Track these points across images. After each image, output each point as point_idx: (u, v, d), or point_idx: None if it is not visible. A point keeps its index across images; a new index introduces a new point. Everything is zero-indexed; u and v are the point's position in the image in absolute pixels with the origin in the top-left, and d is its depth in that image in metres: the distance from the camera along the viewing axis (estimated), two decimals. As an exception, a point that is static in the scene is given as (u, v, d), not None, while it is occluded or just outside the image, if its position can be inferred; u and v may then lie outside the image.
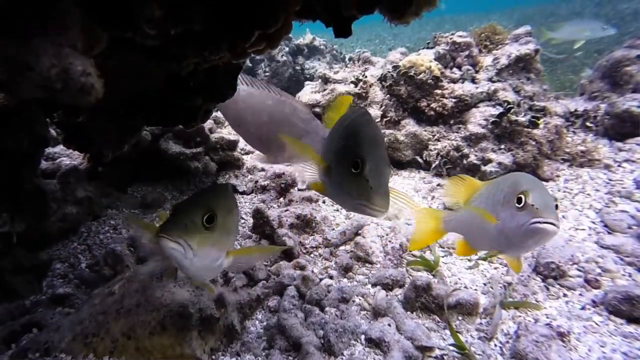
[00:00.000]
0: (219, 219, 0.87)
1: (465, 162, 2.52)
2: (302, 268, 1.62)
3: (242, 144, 2.61)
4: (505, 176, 1.10)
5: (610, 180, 2.34)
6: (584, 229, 1.94)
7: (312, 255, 1.77)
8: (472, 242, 1.16)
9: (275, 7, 0.79)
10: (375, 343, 1.28)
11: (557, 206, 0.96)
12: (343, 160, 0.87)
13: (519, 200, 0.97)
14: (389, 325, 1.34)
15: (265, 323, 1.40)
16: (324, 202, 2.19)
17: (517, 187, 0.99)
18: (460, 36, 2.82)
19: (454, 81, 2.71)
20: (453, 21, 10.83)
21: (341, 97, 1.13)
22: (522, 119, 2.46)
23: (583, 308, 1.46)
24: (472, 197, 1.14)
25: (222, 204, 0.91)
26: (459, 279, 1.63)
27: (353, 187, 0.84)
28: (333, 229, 1.91)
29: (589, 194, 2.24)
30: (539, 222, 0.93)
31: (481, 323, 1.41)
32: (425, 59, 2.68)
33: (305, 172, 0.98)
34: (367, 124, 0.92)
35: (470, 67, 2.76)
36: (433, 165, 2.61)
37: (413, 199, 2.29)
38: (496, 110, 2.53)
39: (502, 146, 2.51)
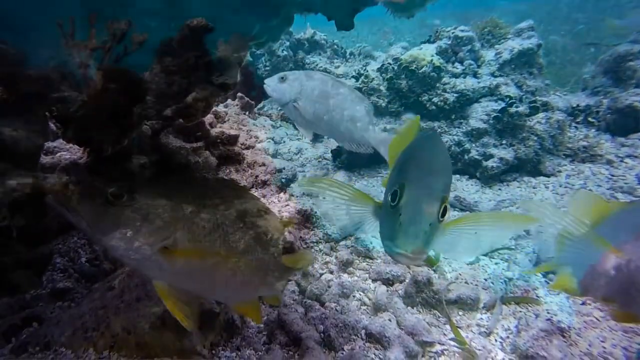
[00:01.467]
0: (140, 199, 0.73)
1: (466, 157, 2.51)
2: (303, 263, 1.62)
3: (242, 138, 2.59)
4: None
5: (612, 175, 2.33)
6: (585, 225, 1.93)
7: (312, 250, 1.77)
8: (579, 278, 0.79)
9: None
10: (376, 338, 1.28)
11: None
12: (387, 192, 0.70)
13: None
14: (390, 320, 1.34)
15: (265, 318, 1.39)
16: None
17: None
18: (462, 30, 2.79)
19: (455, 75, 2.69)
20: (455, 16, 10.75)
21: (409, 122, 0.93)
22: (522, 108, 2.44)
23: (584, 303, 1.46)
24: (605, 219, 0.79)
25: (150, 186, 0.78)
26: (460, 274, 1.63)
27: (385, 223, 0.67)
28: (334, 224, 1.90)
29: (591, 190, 2.23)
30: None
31: (482, 318, 1.41)
32: (426, 54, 2.67)
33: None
34: (425, 146, 0.76)
35: (472, 62, 2.74)
36: (434, 161, 2.60)
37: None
38: (498, 105, 2.52)
39: (504, 141, 2.49)
